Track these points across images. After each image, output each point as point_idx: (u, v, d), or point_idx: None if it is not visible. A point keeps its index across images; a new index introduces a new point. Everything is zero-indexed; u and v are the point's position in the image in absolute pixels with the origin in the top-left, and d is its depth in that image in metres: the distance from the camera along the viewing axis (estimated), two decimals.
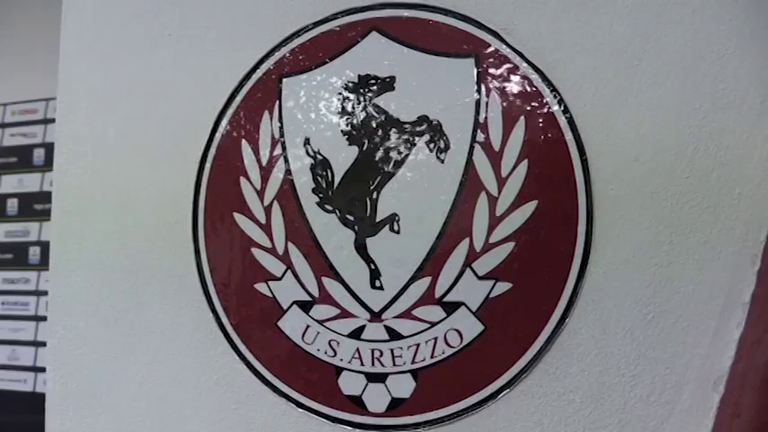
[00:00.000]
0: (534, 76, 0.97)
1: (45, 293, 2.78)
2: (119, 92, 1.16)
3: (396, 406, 0.98)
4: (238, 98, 1.09)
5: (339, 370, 1.01)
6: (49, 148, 2.88)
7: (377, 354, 0.99)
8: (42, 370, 2.77)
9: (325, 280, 1.02)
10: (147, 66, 1.15)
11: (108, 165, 1.15)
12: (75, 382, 1.14)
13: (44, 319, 2.77)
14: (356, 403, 1.00)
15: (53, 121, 2.91)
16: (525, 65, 0.98)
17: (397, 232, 1.00)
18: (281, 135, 1.07)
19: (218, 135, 1.09)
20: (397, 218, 1.00)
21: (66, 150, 1.19)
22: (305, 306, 1.03)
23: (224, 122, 1.09)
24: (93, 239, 1.15)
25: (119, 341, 1.12)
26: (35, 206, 2.92)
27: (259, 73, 1.09)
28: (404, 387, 0.98)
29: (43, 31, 2.77)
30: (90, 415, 1.13)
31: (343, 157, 1.03)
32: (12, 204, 2.96)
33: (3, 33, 2.98)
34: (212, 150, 1.10)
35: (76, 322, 1.15)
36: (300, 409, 1.02)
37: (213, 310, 1.07)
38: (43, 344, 2.76)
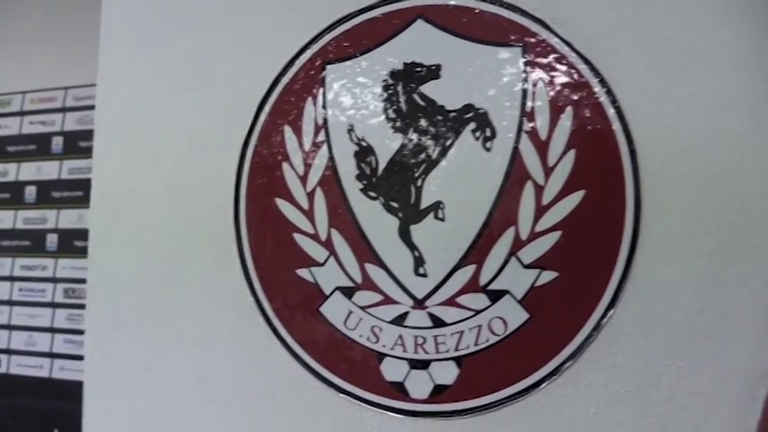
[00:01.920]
0: (582, 66, 0.97)
1: (62, 281, 2.79)
2: (160, 77, 1.16)
3: (439, 392, 0.98)
4: (281, 84, 1.09)
5: (381, 356, 1.01)
6: (67, 136, 2.89)
7: (420, 340, 1.00)
8: (58, 356, 2.78)
9: (369, 266, 1.02)
10: (189, 51, 1.15)
11: (149, 150, 1.16)
12: (113, 365, 1.15)
13: (60, 305, 2.79)
14: (398, 389, 1.00)
15: (72, 109, 2.91)
16: (573, 55, 0.97)
17: (442, 220, 1.00)
18: (325, 122, 1.07)
19: (260, 121, 1.10)
20: (441, 205, 1.00)
21: (105, 135, 1.19)
22: (347, 292, 1.03)
23: (267, 108, 1.09)
24: (132, 224, 1.15)
25: (158, 325, 1.12)
26: (53, 194, 2.93)
27: (303, 59, 1.09)
28: (447, 374, 0.98)
29: (61, 18, 2.77)
30: (129, 398, 1.14)
31: (387, 145, 1.04)
32: (30, 192, 2.97)
33: (21, 21, 2.99)
34: (255, 136, 1.10)
35: (115, 306, 1.15)
36: (342, 394, 1.02)
37: (254, 295, 1.07)
38: (60, 330, 2.78)
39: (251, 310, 1.07)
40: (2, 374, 2.88)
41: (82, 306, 2.75)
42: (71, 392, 2.75)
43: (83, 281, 2.81)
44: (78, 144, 2.87)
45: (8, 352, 2.89)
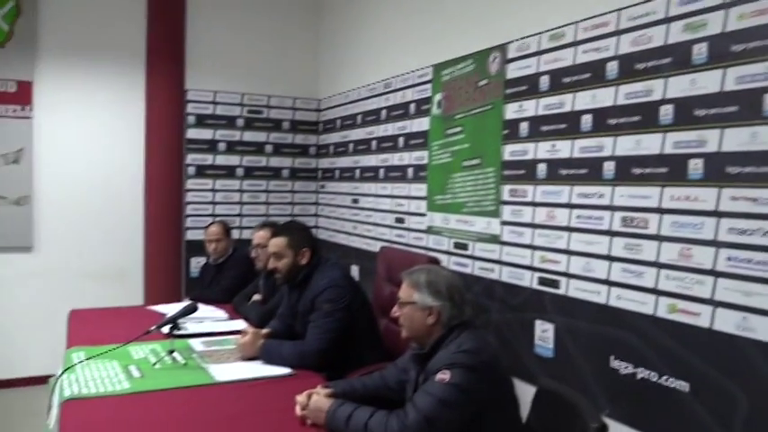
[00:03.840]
0: None
1: (619, 209, 2.70)
2: None
3: None
4: None
5: None
6: (622, 60, 2.75)
7: None
8: (615, 284, 2.72)
9: None
10: None
11: None
12: None
13: (618, 234, 2.70)
14: None
15: (626, 31, 2.69)
16: None
17: None
18: None
19: None
20: None
21: None
22: None
23: None
24: None
25: None
26: (609, 121, 2.85)
27: None
28: None
29: None
30: None
31: None
32: (585, 120, 2.97)
33: None
34: None
35: None
36: None
37: None
38: (617, 258, 2.71)
39: None
40: (561, 296, 3.03)
41: (640, 236, 2.60)
42: (627, 321, 2.68)
43: (641, 209, 2.63)
44: (634, 67, 2.69)
45: (567, 275, 3.01)
